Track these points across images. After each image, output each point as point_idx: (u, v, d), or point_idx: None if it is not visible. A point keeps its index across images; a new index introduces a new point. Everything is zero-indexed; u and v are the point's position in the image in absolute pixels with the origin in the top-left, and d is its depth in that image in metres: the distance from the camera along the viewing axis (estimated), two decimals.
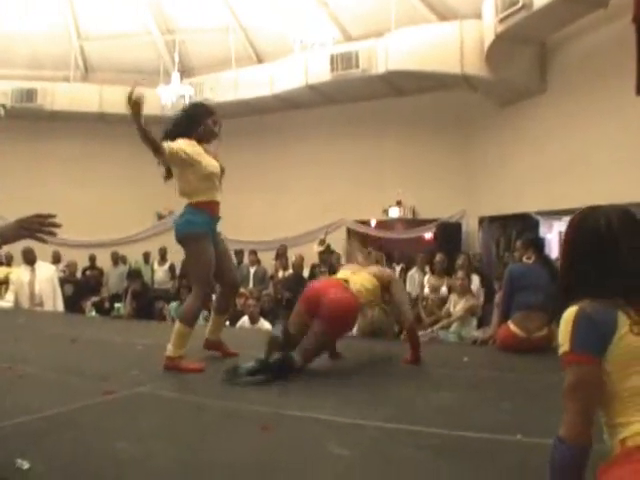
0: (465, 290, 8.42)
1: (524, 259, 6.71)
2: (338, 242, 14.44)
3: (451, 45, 12.06)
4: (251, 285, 13.10)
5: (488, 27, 11.23)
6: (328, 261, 12.22)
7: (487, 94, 13.14)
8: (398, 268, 12.71)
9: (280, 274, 12.94)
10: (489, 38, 11.15)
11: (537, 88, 12.02)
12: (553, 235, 12.71)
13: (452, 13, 12.67)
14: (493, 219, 13.40)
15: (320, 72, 13.68)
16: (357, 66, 13.09)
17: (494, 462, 2.98)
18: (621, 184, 9.14)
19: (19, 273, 9.74)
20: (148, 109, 15.36)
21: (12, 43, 15.45)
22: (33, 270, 10.14)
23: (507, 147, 12.83)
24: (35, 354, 6.04)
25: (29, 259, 10.13)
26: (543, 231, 12.28)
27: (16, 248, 12.03)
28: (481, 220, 13.68)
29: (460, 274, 8.53)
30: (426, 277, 10.21)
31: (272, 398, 4.19)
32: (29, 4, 15.06)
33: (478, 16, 11.77)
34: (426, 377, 4.43)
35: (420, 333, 7.77)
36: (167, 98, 14.40)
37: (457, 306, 8.34)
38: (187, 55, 16.08)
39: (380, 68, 12.94)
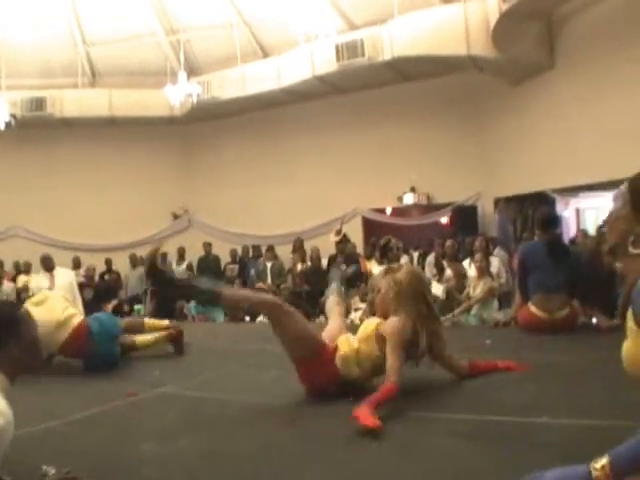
0: (484, 272, 8.37)
1: (535, 238, 6.69)
2: (354, 231, 14.41)
3: (456, 27, 11.99)
4: (269, 280, 13.10)
5: (492, 6, 11.17)
6: (345, 251, 12.20)
7: (496, 74, 13.06)
8: (416, 254, 12.68)
9: (299, 267, 12.92)
10: (494, 17, 11.07)
11: (546, 64, 11.95)
12: (570, 212, 12.64)
13: None
14: (509, 200, 13.31)
15: (326, 62, 13.62)
16: (363, 54, 13.02)
17: (521, 444, 2.95)
18: (638, 155, 9.05)
19: (38, 280, 9.77)
20: (158, 111, 15.43)
21: (19, 54, 15.47)
22: (52, 277, 10.19)
23: (519, 126, 12.75)
24: (57, 359, 6.05)
25: (48, 266, 10.20)
26: (560, 209, 12.21)
27: (34, 256, 12.17)
28: (497, 201, 13.60)
29: (478, 256, 8.49)
30: (445, 262, 10.15)
31: (295, 393, 4.17)
32: (34, 14, 15.09)
33: None
34: None
35: (442, 318, 7.76)
36: (175, 98, 14.39)
37: (477, 289, 8.29)
38: (193, 54, 16.08)
39: (386, 55, 12.88)
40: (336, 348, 3.99)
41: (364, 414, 3.22)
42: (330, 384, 3.95)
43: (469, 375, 4.21)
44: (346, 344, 3.99)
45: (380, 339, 3.84)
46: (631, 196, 2.10)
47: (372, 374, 3.94)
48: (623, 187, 2.15)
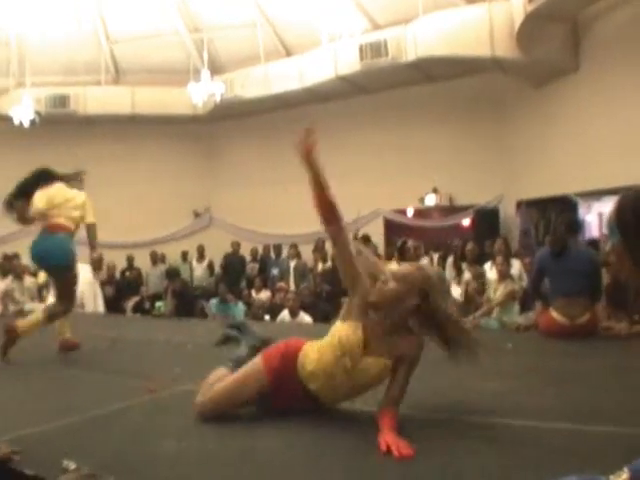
0: (504, 275, 8.34)
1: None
2: (375, 232, 14.38)
3: (480, 28, 11.92)
4: (292, 279, 13.11)
5: (517, 7, 11.10)
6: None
7: (519, 76, 12.99)
8: (436, 256, 12.64)
9: (319, 267, 12.92)
10: (519, 18, 11.01)
11: (570, 66, 11.86)
12: (592, 216, 12.55)
13: None
14: (531, 203, 13.23)
15: (349, 62, 13.59)
16: (386, 54, 12.99)
17: (541, 450, 2.94)
18: None
19: None
20: (180, 109, 15.55)
21: (43, 51, 15.59)
22: None
23: (542, 128, 12.67)
24: (78, 355, 6.12)
25: None
26: (582, 213, 12.13)
27: None
28: (519, 204, 13.53)
29: (499, 259, 8.45)
30: (464, 265, 10.11)
31: None
32: (58, 12, 15.20)
33: None
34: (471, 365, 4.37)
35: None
36: (198, 96, 14.42)
37: (497, 292, 8.26)
38: (216, 52, 16.10)
39: (410, 55, 12.83)
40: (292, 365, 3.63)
41: (392, 440, 3.00)
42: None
43: None
44: (311, 356, 3.59)
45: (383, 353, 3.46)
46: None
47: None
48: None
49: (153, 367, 5.40)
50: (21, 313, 10.40)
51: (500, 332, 7.48)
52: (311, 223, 14.31)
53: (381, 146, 15.28)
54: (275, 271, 13.82)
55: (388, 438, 3.01)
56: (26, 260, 13.47)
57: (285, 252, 14.30)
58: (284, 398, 3.61)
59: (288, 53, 15.57)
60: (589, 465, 2.46)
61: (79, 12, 15.53)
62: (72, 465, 2.84)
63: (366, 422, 3.33)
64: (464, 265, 9.70)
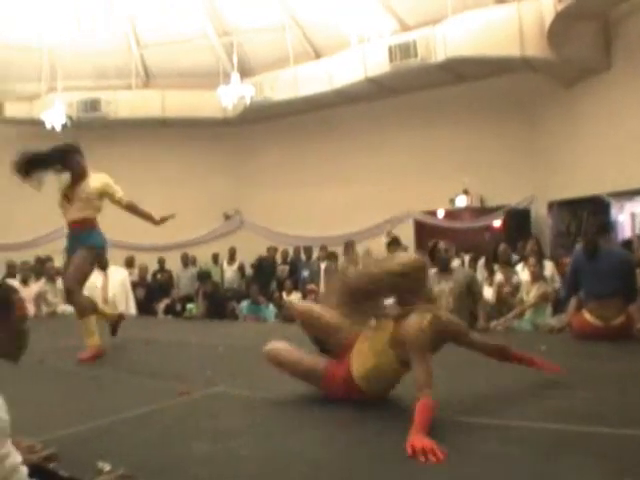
0: (537, 277, 8.27)
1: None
2: (406, 234, 14.33)
3: (510, 27, 11.86)
4: (322, 281, 13.07)
5: (547, 6, 11.02)
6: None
7: (550, 75, 12.90)
8: (467, 258, 12.57)
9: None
10: (549, 17, 10.93)
11: (601, 65, 11.75)
12: (625, 216, 12.43)
13: None
14: (562, 203, 13.13)
15: (379, 64, 13.56)
16: (416, 55, 12.95)
17: (576, 454, 2.90)
18: None
19: (92, 278, 9.88)
20: (210, 112, 15.65)
21: (75, 56, 15.74)
22: (106, 275, 10.36)
23: (574, 128, 12.57)
24: (110, 357, 6.15)
25: (102, 264, 10.35)
26: (614, 213, 12.02)
27: None
28: (550, 205, 13.42)
29: (532, 260, 8.38)
30: (496, 266, 10.03)
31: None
32: (89, 18, 15.34)
33: None
34: (504, 367, 4.33)
35: (493, 323, 7.69)
36: (228, 99, 14.48)
37: (530, 293, 8.20)
38: (245, 55, 16.15)
39: (439, 56, 12.79)
40: (349, 364, 3.85)
41: (420, 444, 2.94)
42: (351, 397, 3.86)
43: (497, 355, 4.10)
44: (360, 361, 3.80)
45: (398, 344, 3.60)
46: None
47: (395, 383, 3.83)
48: None
49: (185, 369, 5.42)
50: (54, 315, 10.50)
51: (533, 334, 7.42)
52: (340, 226, 14.39)
53: (411, 147, 15.24)
54: (305, 273, 13.80)
55: (415, 441, 2.97)
56: (58, 262, 13.64)
57: (315, 254, 14.26)
58: (334, 394, 3.90)
59: (317, 55, 15.58)
60: (626, 471, 2.43)
61: (110, 17, 15.65)
62: (107, 466, 2.85)
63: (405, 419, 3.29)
64: (496, 266, 9.62)
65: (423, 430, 3.07)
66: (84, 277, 6.41)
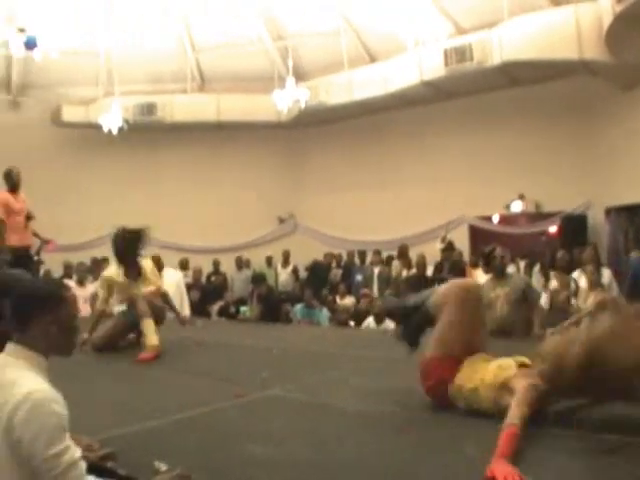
0: (595, 284, 8.13)
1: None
2: (460, 239, 14.23)
3: (567, 30, 11.66)
4: (375, 286, 13.03)
5: (606, 8, 10.82)
6: (450, 259, 12.05)
7: (608, 78, 12.68)
8: (523, 264, 12.43)
9: (403, 274, 12.82)
10: (607, 20, 10.74)
11: None
12: None
13: None
14: (620, 209, 12.90)
15: (434, 67, 13.47)
16: (471, 59, 12.83)
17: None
18: None
19: None
20: (265, 116, 15.66)
21: (132, 62, 15.98)
22: (161, 277, 10.43)
23: (632, 133, 12.32)
24: (166, 358, 6.20)
25: (157, 266, 10.45)
26: None
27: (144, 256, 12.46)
28: (608, 211, 13.20)
29: (590, 268, 8.25)
30: (552, 273, 9.90)
31: (405, 400, 4.13)
32: (145, 23, 15.54)
33: None
34: None
35: (549, 331, 7.56)
36: (283, 103, 14.52)
37: (587, 301, 8.06)
38: (300, 59, 16.19)
39: (495, 59, 12.64)
40: (457, 369, 3.87)
41: (501, 471, 2.81)
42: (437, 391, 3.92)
43: None
44: (468, 375, 3.82)
45: (506, 390, 3.57)
46: None
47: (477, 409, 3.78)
48: None
49: (240, 371, 5.44)
50: (109, 315, 10.62)
51: None
52: (395, 229, 14.29)
53: (465, 151, 15.11)
54: (359, 277, 13.77)
55: (495, 467, 2.87)
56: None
57: (369, 258, 14.22)
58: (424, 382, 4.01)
59: (372, 59, 15.55)
60: None
61: (165, 23, 15.84)
62: (163, 466, 2.88)
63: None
64: (552, 273, 9.49)
65: (506, 456, 2.97)
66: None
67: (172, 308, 7.60)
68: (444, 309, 4.04)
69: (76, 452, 2.37)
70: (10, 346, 2.50)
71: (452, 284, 4.24)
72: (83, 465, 2.38)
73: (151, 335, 6.35)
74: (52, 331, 2.51)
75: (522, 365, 3.70)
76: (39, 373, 2.45)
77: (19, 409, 2.27)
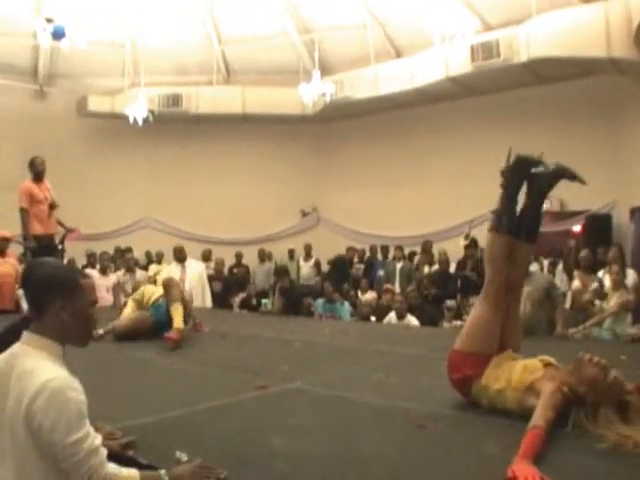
0: (619, 284, 8.07)
1: None
2: (483, 237, 14.13)
3: (596, 28, 11.57)
4: (397, 281, 13.00)
5: (636, 5, 10.74)
6: (474, 257, 12.00)
7: (636, 77, 12.54)
8: (546, 262, 12.36)
9: (425, 270, 12.79)
10: (637, 17, 10.65)
11: None
12: None
13: None
14: None
15: (460, 63, 13.44)
16: (498, 55, 12.77)
17: None
18: None
19: (170, 270, 10.03)
20: (290, 109, 15.73)
21: (158, 53, 16.09)
22: (184, 268, 10.53)
23: None
24: (188, 348, 6.22)
25: (180, 257, 10.57)
26: None
27: (164, 247, 12.57)
28: (633, 211, 13.08)
29: (614, 268, 8.18)
30: (575, 272, 9.83)
31: (426, 397, 4.13)
32: (172, 15, 15.60)
33: None
34: None
35: (571, 330, 7.52)
36: (308, 97, 14.52)
37: (610, 301, 8.01)
38: (326, 53, 16.19)
39: (522, 56, 12.58)
40: (484, 368, 3.86)
41: (522, 471, 2.77)
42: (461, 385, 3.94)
43: None
44: (494, 374, 3.80)
45: (533, 392, 3.55)
46: None
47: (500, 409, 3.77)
48: None
49: (262, 363, 5.46)
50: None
51: (613, 343, 7.23)
52: (418, 225, 14.26)
53: (490, 149, 14.99)
54: (381, 272, 13.74)
55: (516, 467, 2.83)
56: (137, 253, 13.93)
57: (391, 253, 14.18)
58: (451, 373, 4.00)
59: (398, 54, 15.52)
60: None
61: (191, 15, 15.89)
62: (184, 457, 2.89)
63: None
64: (575, 272, 9.44)
65: (529, 457, 2.94)
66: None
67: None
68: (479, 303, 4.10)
69: (96, 439, 2.37)
70: (26, 334, 2.49)
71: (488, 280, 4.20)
72: (104, 452, 2.39)
73: (178, 318, 6.54)
74: (65, 318, 2.47)
75: (547, 365, 3.68)
76: (56, 361, 2.43)
77: (38, 398, 2.27)
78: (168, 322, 6.65)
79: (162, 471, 2.59)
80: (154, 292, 7.24)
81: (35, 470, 2.31)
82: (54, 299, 2.47)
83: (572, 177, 4.29)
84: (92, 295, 2.65)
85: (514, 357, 3.91)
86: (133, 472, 2.50)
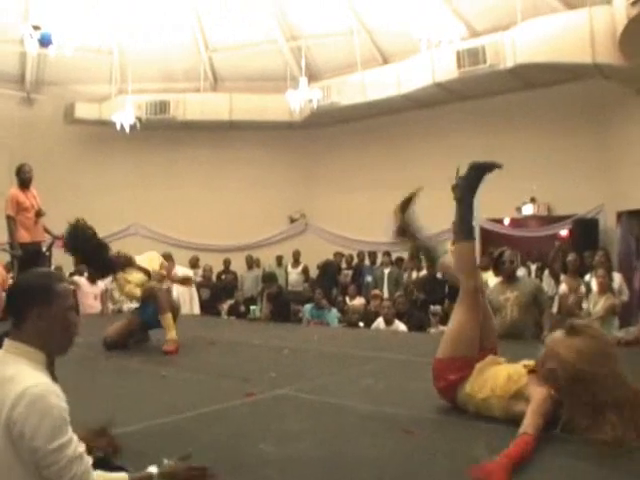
0: (605, 288, 8.13)
1: None
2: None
3: (581, 34, 11.63)
4: (386, 286, 13.03)
5: (619, 11, 10.79)
6: None
7: (622, 82, 12.61)
8: (534, 267, 12.41)
9: (413, 275, 12.82)
10: (621, 23, 10.70)
11: None
12: None
13: (580, 1, 12.21)
14: (632, 213, 12.85)
15: (447, 69, 13.47)
16: (484, 61, 12.82)
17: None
18: None
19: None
20: (277, 115, 15.75)
21: (145, 60, 16.07)
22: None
23: None
24: (177, 356, 6.23)
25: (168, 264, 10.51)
26: None
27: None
28: (619, 215, 13.15)
29: (600, 272, 8.24)
30: (562, 276, 9.87)
31: (414, 402, 4.14)
32: (159, 22, 15.60)
33: (608, 1, 11.31)
34: None
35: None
36: (295, 103, 14.54)
37: (597, 305, 8.06)
38: (313, 60, 16.21)
39: (508, 62, 12.64)
40: (468, 367, 3.86)
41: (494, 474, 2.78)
42: (447, 393, 3.95)
43: None
44: (478, 383, 3.79)
45: (521, 399, 3.53)
46: None
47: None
48: None
49: (250, 370, 5.46)
50: (120, 312, 10.67)
51: None
52: None
53: (477, 154, 14.96)
54: (369, 278, 13.78)
55: (487, 467, 2.84)
56: None
57: (379, 259, 14.21)
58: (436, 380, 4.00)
59: (384, 60, 15.57)
60: None
61: (179, 22, 15.91)
62: (172, 463, 2.87)
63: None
64: (562, 277, 9.49)
65: (514, 460, 2.93)
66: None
67: None
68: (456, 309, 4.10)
69: (80, 446, 2.34)
70: (7, 342, 2.46)
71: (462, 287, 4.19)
72: (89, 460, 2.37)
73: (171, 329, 6.59)
74: (43, 325, 2.44)
75: (532, 371, 3.68)
76: (37, 368, 2.39)
77: (18, 404, 2.24)
78: (156, 321, 6.73)
79: (154, 471, 2.59)
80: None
81: (17, 479, 2.27)
82: (31, 307, 2.44)
83: (490, 167, 4.36)
84: (69, 300, 2.59)
85: (497, 361, 3.92)
86: (122, 476, 2.49)
